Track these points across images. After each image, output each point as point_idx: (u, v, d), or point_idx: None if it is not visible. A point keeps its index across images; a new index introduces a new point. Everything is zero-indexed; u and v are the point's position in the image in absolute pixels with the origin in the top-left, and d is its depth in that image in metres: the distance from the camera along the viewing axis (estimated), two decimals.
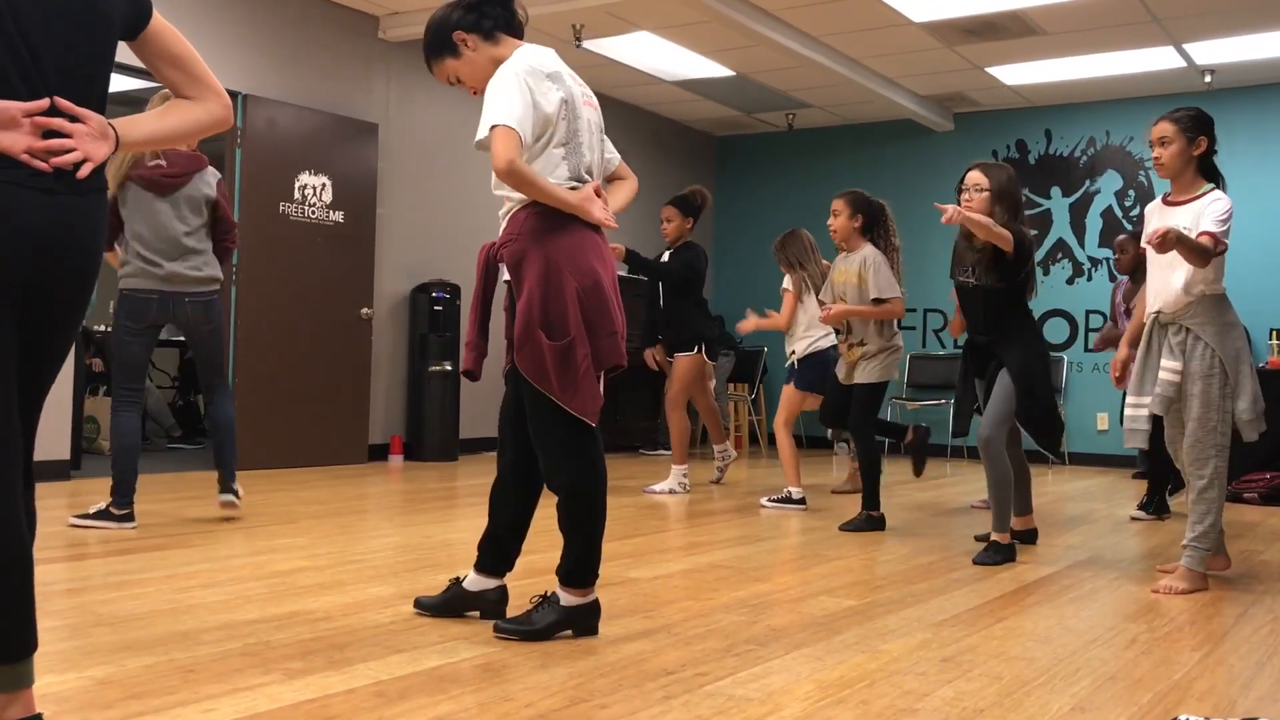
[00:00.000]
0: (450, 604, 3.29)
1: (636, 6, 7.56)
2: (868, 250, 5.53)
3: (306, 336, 7.59)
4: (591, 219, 3.02)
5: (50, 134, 1.82)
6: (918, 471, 5.98)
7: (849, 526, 5.37)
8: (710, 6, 7.10)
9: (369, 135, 8.00)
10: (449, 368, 8.25)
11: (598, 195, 3.05)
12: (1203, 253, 3.80)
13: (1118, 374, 4.42)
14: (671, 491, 6.69)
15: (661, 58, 8.89)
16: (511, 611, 3.22)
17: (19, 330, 1.88)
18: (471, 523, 5.21)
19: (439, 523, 5.24)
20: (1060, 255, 10.03)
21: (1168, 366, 3.99)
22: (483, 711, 2.42)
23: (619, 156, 3.32)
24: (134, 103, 7.41)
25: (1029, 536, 4.99)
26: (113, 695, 2.47)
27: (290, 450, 7.49)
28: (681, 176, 10.56)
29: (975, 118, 10.40)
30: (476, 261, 3.22)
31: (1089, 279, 9.91)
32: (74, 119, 1.85)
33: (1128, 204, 9.79)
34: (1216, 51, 8.32)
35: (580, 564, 3.07)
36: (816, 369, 6.19)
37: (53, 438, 6.33)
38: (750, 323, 6.57)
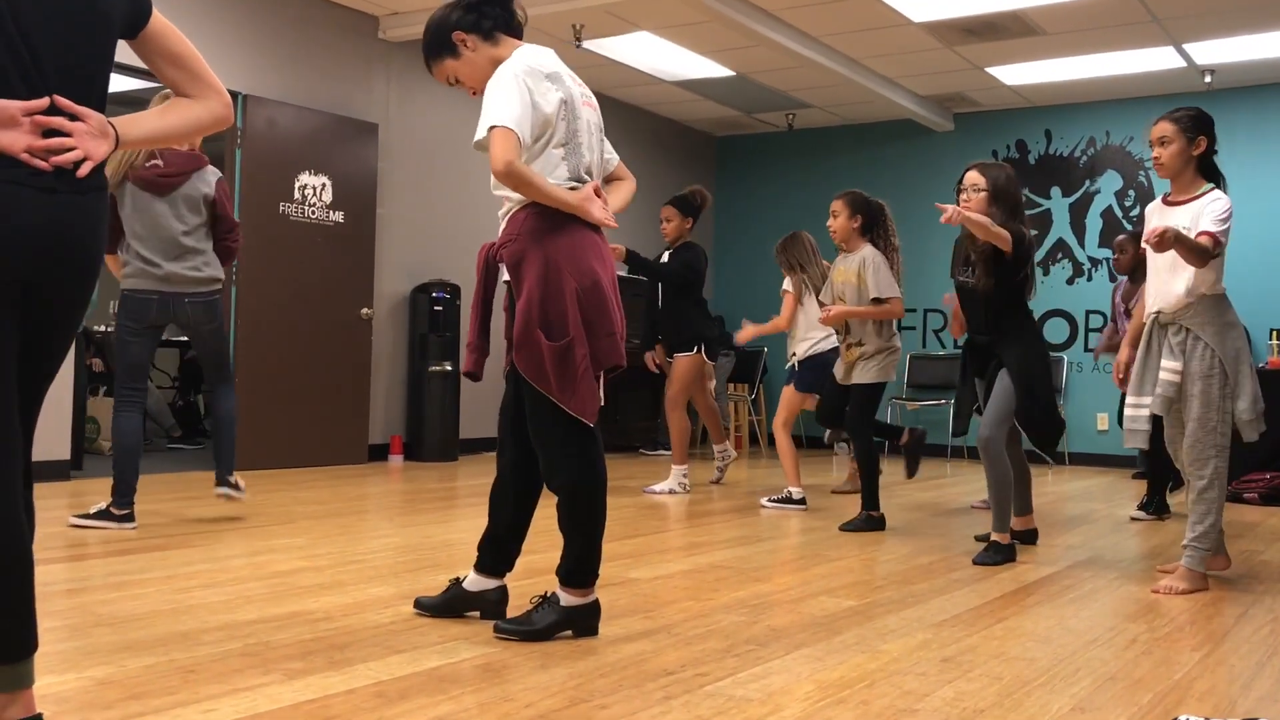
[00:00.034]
0: (450, 604, 3.29)
1: (636, 6, 7.56)
2: (867, 251, 5.54)
3: (306, 336, 7.59)
4: (591, 219, 3.02)
5: (50, 133, 1.82)
6: (910, 473, 5.98)
7: (849, 527, 5.37)
8: (710, 6, 7.10)
9: (369, 135, 8.00)
10: (449, 368, 8.25)
11: (597, 195, 3.06)
12: (1201, 253, 3.80)
13: (1121, 375, 4.42)
14: (671, 492, 6.69)
15: (661, 58, 8.89)
16: (511, 612, 3.22)
17: (19, 330, 1.88)
18: (471, 523, 5.21)
19: (439, 523, 5.24)
20: (1060, 255, 10.03)
21: (1168, 367, 3.99)
22: (483, 712, 2.42)
23: (617, 157, 3.32)
24: (134, 103, 7.40)
25: (1029, 537, 4.99)
26: (113, 695, 2.47)
27: (290, 450, 7.49)
28: (681, 176, 10.56)
29: (975, 118, 10.40)
30: (476, 262, 3.22)
31: (1089, 279, 9.91)
32: (73, 117, 1.85)
33: (1128, 204, 9.79)
34: (1216, 51, 8.32)
35: (580, 564, 3.07)
36: (817, 371, 6.20)
37: (53, 438, 6.34)
38: (747, 332, 6.59)
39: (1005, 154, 10.20)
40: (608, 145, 3.27)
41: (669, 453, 8.77)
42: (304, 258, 7.58)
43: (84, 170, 1.86)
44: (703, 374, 6.82)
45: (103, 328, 8.60)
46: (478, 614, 3.27)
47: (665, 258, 6.79)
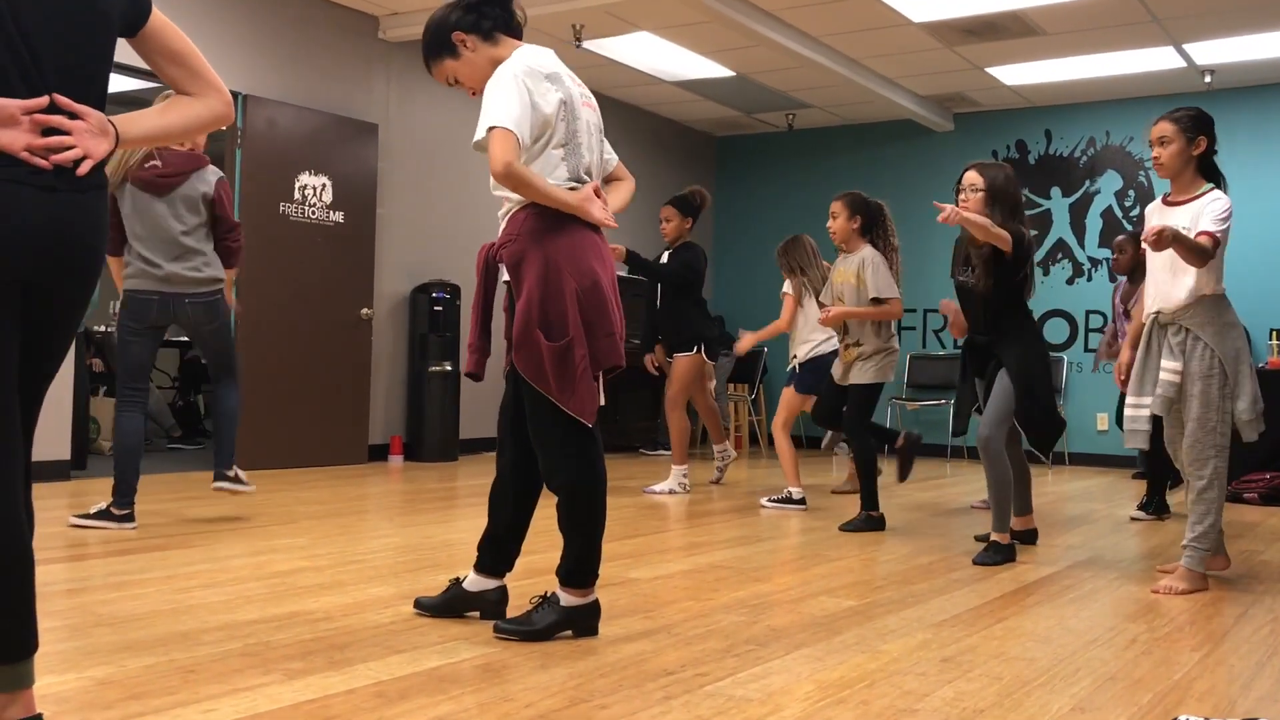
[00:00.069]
0: (450, 604, 3.29)
1: (636, 7, 7.56)
2: (867, 251, 5.54)
3: (306, 336, 7.59)
4: (591, 219, 3.02)
5: (50, 131, 1.82)
6: (902, 477, 5.98)
7: (849, 527, 5.37)
8: (710, 7, 7.10)
9: (369, 135, 8.00)
10: (449, 368, 8.25)
11: (597, 195, 3.06)
12: (1201, 252, 3.80)
13: (1122, 377, 4.42)
14: (671, 492, 6.69)
15: (661, 58, 8.89)
16: (511, 612, 3.22)
17: (20, 329, 1.88)
18: (471, 523, 5.22)
19: (439, 523, 5.24)
20: (1060, 255, 10.03)
21: (1168, 367, 3.99)
22: (483, 712, 2.42)
23: (616, 157, 3.32)
24: (134, 103, 7.40)
25: (1029, 537, 4.99)
26: (113, 696, 2.47)
27: (290, 450, 7.49)
28: (682, 177, 10.56)
29: (975, 118, 10.40)
30: (476, 262, 3.22)
31: (1089, 279, 9.91)
32: (73, 116, 1.85)
33: (1128, 204, 9.79)
34: (1216, 51, 8.32)
35: (580, 564, 3.07)
36: (817, 373, 6.20)
37: (53, 438, 6.34)
38: (746, 342, 6.59)
39: (1005, 154, 10.20)
40: (607, 145, 3.26)
41: (669, 453, 8.77)
42: (304, 258, 7.58)
43: (84, 169, 1.86)
44: (703, 374, 6.82)
45: (103, 328, 8.60)
46: (478, 614, 3.27)
47: (665, 258, 6.79)
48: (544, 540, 4.07)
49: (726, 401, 9.78)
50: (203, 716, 2.34)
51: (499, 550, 3.24)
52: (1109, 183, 9.88)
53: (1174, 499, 6.43)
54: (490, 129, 2.89)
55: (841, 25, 7.90)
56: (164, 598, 3.48)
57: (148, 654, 2.82)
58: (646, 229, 9.53)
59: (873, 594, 3.84)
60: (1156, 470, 6.11)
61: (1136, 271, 6.42)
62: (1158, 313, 4.06)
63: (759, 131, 11.40)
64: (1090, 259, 9.91)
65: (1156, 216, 4.11)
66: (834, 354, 5.96)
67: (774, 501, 6.18)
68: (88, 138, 1.86)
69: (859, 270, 5.50)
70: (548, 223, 3.00)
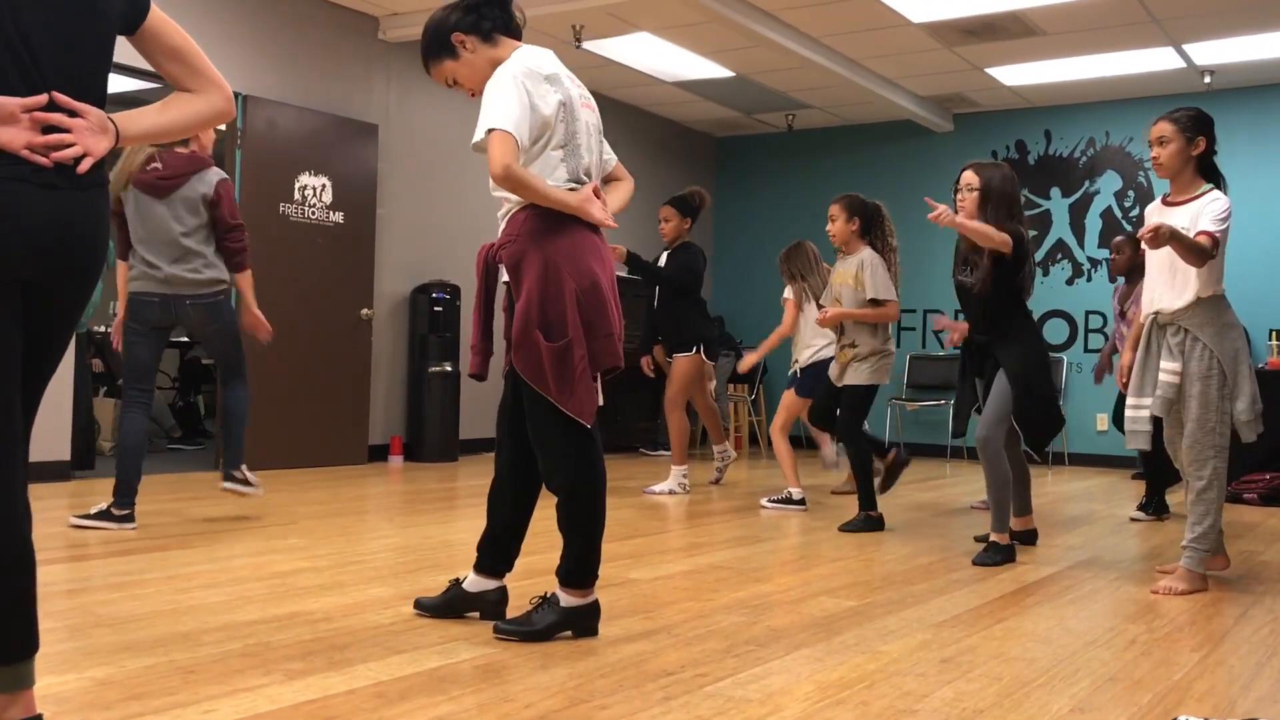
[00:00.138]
0: (450, 605, 3.29)
1: (636, 7, 7.56)
2: (866, 253, 5.56)
3: (306, 337, 7.59)
4: (591, 219, 3.02)
5: (50, 129, 1.82)
6: (883, 489, 6.00)
7: (848, 527, 5.37)
8: (710, 7, 7.10)
9: (369, 136, 8.00)
10: (449, 368, 8.25)
11: (596, 196, 3.06)
12: (1199, 252, 3.80)
13: (1124, 379, 4.42)
14: (671, 492, 6.69)
15: (661, 59, 8.90)
16: (511, 612, 3.22)
17: (22, 329, 1.88)
18: (471, 523, 5.22)
19: (439, 523, 5.25)
20: (1060, 256, 10.03)
21: (1167, 368, 3.99)
22: (483, 712, 2.43)
23: (615, 157, 3.32)
24: (134, 104, 7.40)
25: (1029, 537, 4.99)
26: (113, 696, 2.47)
27: (290, 451, 7.49)
28: (681, 177, 10.56)
29: (975, 118, 10.40)
30: (476, 263, 3.22)
31: (1089, 280, 9.91)
32: (73, 114, 1.85)
33: (1127, 204, 9.79)
34: (1216, 52, 8.32)
35: (580, 565, 3.07)
36: (818, 377, 6.20)
37: (53, 438, 6.34)
38: (748, 362, 6.58)
39: (1005, 154, 10.20)
40: (606, 146, 3.26)
41: (669, 453, 8.76)
42: (304, 258, 7.58)
43: (84, 167, 1.86)
44: (702, 374, 6.82)
45: (103, 328, 8.60)
46: (477, 614, 3.27)
47: (664, 258, 6.79)
48: (544, 541, 4.07)
49: (726, 402, 9.78)
50: (203, 717, 2.35)
51: (498, 551, 3.24)
52: (1108, 183, 9.88)
53: (1173, 499, 6.43)
54: (489, 131, 2.89)
55: (841, 25, 7.90)
56: (164, 598, 3.48)
57: (148, 654, 2.82)
58: (646, 229, 9.52)
59: (872, 594, 3.85)
60: (1156, 471, 6.11)
61: (1134, 273, 6.42)
62: (1157, 313, 4.06)
63: (759, 132, 11.40)
64: (1090, 259, 9.91)
65: (1156, 217, 4.11)
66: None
67: (774, 502, 6.19)
68: (88, 135, 1.86)
69: (857, 271, 5.51)
70: (547, 223, 3.00)
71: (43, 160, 1.81)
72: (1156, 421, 4.11)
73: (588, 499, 3.05)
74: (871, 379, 5.49)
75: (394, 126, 8.32)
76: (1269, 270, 9.04)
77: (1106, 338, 9.54)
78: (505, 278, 3.09)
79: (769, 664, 2.89)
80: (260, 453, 7.22)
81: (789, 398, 6.41)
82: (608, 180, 3.28)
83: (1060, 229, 10.03)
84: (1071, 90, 9.56)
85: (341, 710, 2.41)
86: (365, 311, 7.96)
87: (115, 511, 4.76)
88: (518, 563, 3.31)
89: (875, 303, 5.48)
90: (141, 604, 3.39)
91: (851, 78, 8.75)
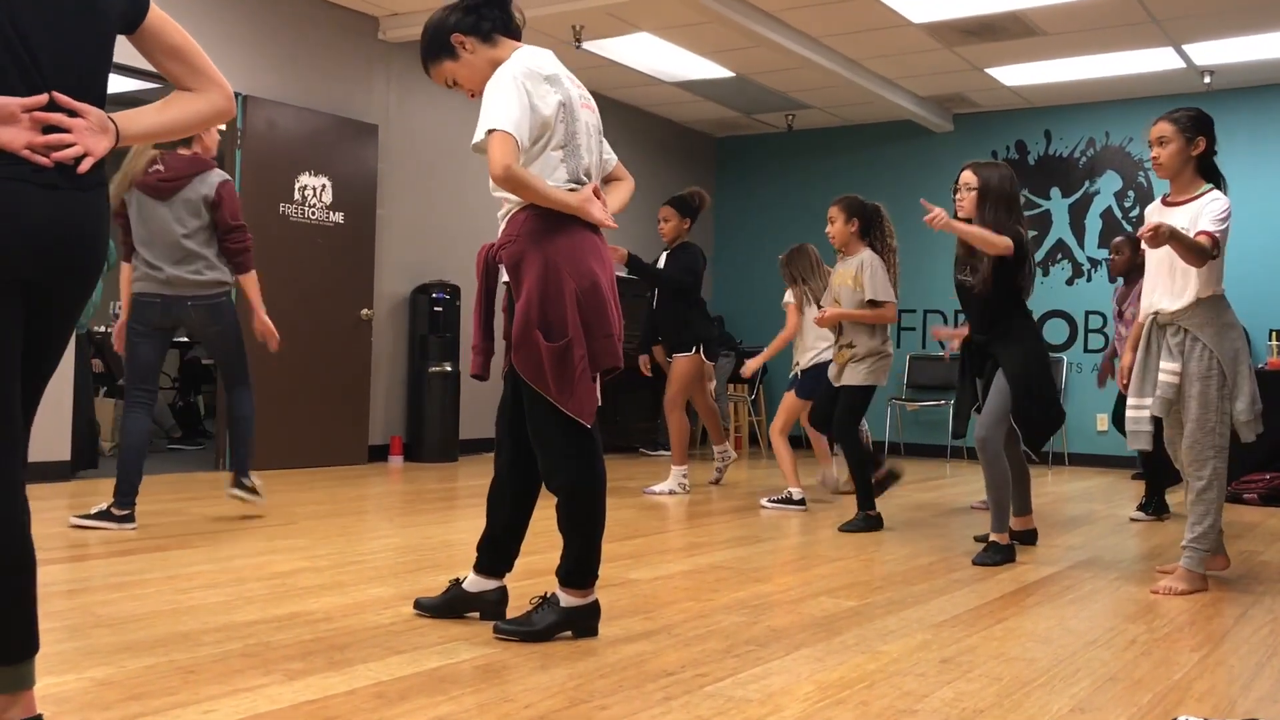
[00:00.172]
0: (450, 605, 3.29)
1: (636, 7, 7.56)
2: (865, 254, 5.57)
3: (307, 337, 7.59)
4: (592, 219, 3.03)
5: (50, 129, 1.82)
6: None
7: (848, 527, 5.37)
8: (710, 7, 7.10)
9: (369, 136, 8.00)
10: (449, 368, 8.25)
11: (596, 196, 3.06)
12: (1199, 252, 3.80)
13: (1124, 380, 4.42)
14: (671, 492, 6.69)
15: (661, 59, 8.90)
16: (511, 612, 3.22)
17: (23, 329, 1.88)
18: (471, 523, 5.22)
19: (439, 523, 5.25)
20: (1060, 256, 10.03)
21: (1166, 368, 3.99)
22: (483, 712, 2.43)
23: (615, 157, 3.32)
24: (134, 104, 7.40)
25: (1028, 537, 4.99)
26: (113, 696, 2.47)
27: (290, 451, 7.49)
28: (681, 177, 10.56)
29: (975, 118, 10.40)
30: (476, 263, 3.22)
31: (1088, 280, 9.91)
32: (73, 114, 1.85)
33: (1127, 205, 9.79)
34: (1216, 52, 8.32)
35: (580, 565, 3.07)
36: (819, 380, 6.21)
37: (53, 438, 6.34)
38: (751, 366, 6.58)
39: (1005, 155, 10.20)
40: (606, 146, 3.26)
41: (669, 453, 8.76)
42: (304, 258, 7.58)
43: (84, 166, 1.86)
44: (702, 375, 6.83)
45: (103, 328, 8.60)
46: (477, 615, 3.27)
47: (663, 258, 6.79)
48: (543, 541, 4.07)
49: (726, 402, 9.79)
50: (203, 717, 2.35)
51: (498, 551, 3.24)
52: (1108, 183, 9.88)
53: (1173, 499, 6.43)
54: (489, 132, 2.89)
55: (841, 26, 7.90)
56: (164, 598, 3.48)
57: (148, 654, 2.82)
58: (646, 229, 9.51)
59: (872, 594, 3.85)
60: (1155, 471, 6.11)
61: (1133, 273, 6.42)
62: (1156, 313, 4.06)
63: (759, 132, 11.40)
64: (1090, 259, 9.91)
65: (1156, 217, 4.11)
66: None
67: (774, 502, 6.19)
68: (88, 135, 1.86)
69: (856, 272, 5.52)
70: (547, 224, 3.00)
71: (43, 160, 1.81)
72: (1157, 421, 4.11)
73: (588, 499, 3.05)
74: (868, 380, 5.50)
75: (394, 126, 8.33)
76: (1269, 270, 9.04)
77: (1106, 338, 9.55)
78: (505, 278, 3.09)
79: (769, 664, 2.89)
80: (260, 453, 7.20)
81: (789, 399, 6.42)
82: (608, 180, 3.28)
83: (1060, 229, 10.03)
84: (1071, 90, 9.57)
85: (341, 710, 2.41)
86: (365, 312, 7.96)
87: (115, 511, 4.76)
88: (518, 563, 3.31)
89: (873, 304, 5.48)
90: (141, 604, 3.39)
91: (851, 78, 8.75)
